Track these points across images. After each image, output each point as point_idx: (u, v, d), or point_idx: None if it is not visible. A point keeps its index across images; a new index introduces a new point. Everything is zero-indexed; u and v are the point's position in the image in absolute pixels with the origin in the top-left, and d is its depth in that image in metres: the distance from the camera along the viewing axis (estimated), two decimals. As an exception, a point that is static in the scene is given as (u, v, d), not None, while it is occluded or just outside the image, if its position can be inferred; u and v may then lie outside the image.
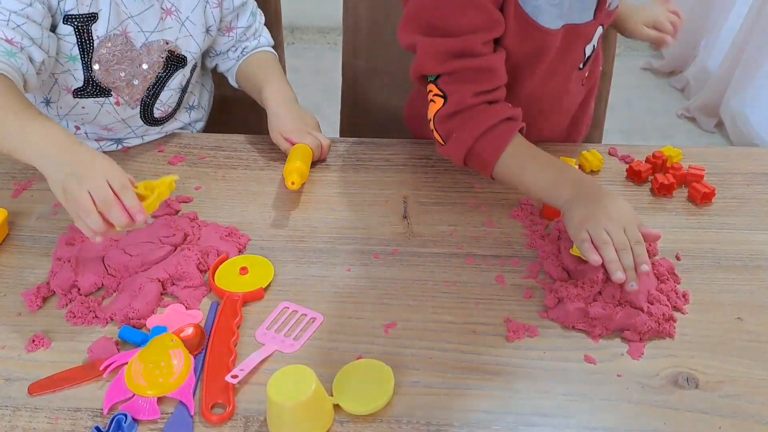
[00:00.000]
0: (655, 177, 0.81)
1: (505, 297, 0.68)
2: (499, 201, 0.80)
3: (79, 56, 0.79)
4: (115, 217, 0.61)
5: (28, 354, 0.61)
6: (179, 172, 0.85)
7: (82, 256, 0.69)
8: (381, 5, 1.11)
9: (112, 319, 0.64)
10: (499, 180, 0.74)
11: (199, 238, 0.73)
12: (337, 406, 0.57)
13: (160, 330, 0.61)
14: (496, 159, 0.72)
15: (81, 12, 0.77)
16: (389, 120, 1.21)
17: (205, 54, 0.94)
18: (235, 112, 1.05)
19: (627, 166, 0.84)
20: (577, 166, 0.83)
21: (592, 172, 0.84)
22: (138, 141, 0.90)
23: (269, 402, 0.53)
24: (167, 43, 0.83)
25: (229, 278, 0.68)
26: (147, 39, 0.82)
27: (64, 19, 0.77)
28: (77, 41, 0.78)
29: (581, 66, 0.83)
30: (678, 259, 0.72)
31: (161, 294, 0.67)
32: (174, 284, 0.68)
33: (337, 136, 1.13)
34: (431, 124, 0.74)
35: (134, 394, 0.57)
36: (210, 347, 0.61)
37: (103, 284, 0.67)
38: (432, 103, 0.74)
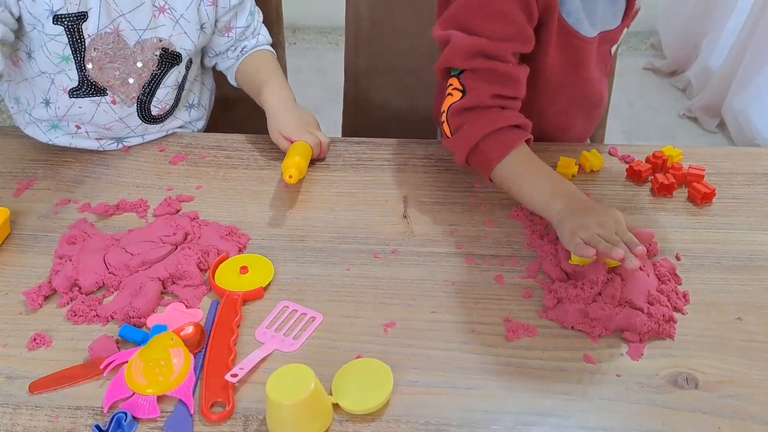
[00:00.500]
0: (656, 177, 0.81)
1: (505, 297, 0.68)
2: (499, 201, 0.80)
3: (71, 56, 0.80)
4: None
5: (29, 352, 0.62)
6: (180, 171, 0.85)
7: (84, 255, 0.69)
8: (383, 5, 1.11)
9: (112, 318, 0.64)
10: (497, 183, 0.75)
11: (199, 237, 0.73)
12: (336, 405, 0.57)
13: (160, 329, 0.62)
14: (498, 160, 0.73)
15: (70, 11, 0.77)
16: (391, 119, 1.21)
17: (204, 53, 0.94)
18: (236, 111, 1.05)
19: (627, 166, 0.84)
20: (577, 167, 0.84)
21: (592, 171, 0.84)
22: (138, 140, 0.90)
23: (268, 401, 0.53)
24: (161, 41, 0.83)
25: (229, 277, 0.68)
26: (140, 37, 0.82)
27: (54, 19, 0.77)
28: (68, 41, 0.78)
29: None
30: (678, 259, 0.72)
31: (162, 293, 0.67)
32: (174, 283, 0.68)
33: (339, 135, 1.13)
34: (444, 115, 0.76)
35: (134, 393, 0.57)
36: (210, 346, 0.61)
37: (104, 283, 0.68)
38: (449, 96, 0.75)
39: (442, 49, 0.77)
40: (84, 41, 0.79)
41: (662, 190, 0.80)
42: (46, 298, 0.67)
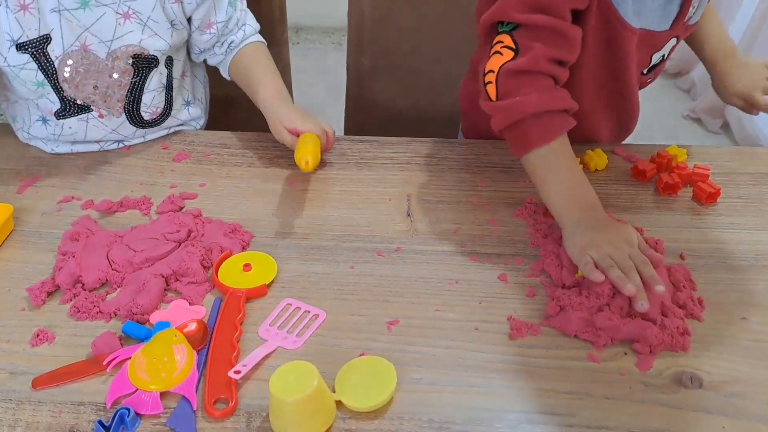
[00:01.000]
0: (660, 176, 0.81)
1: (509, 295, 0.68)
2: (502, 200, 0.80)
3: (45, 80, 0.78)
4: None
5: (32, 348, 0.62)
6: (183, 169, 0.85)
7: (87, 252, 0.69)
8: (386, 3, 1.11)
9: (115, 314, 0.64)
10: (525, 165, 0.72)
11: (203, 235, 0.73)
12: (339, 403, 0.57)
13: (163, 325, 0.61)
14: (539, 145, 0.69)
15: (31, 37, 0.75)
16: (394, 118, 1.21)
17: (190, 50, 0.92)
18: (239, 110, 1.05)
19: (632, 165, 0.84)
20: (581, 166, 0.83)
21: (596, 170, 0.84)
22: (140, 140, 0.90)
23: (271, 397, 0.53)
24: (132, 47, 0.80)
25: (232, 275, 0.68)
26: (110, 48, 0.79)
27: (17, 47, 0.75)
28: (38, 66, 0.77)
29: (645, 71, 0.82)
30: (683, 258, 0.72)
31: (165, 290, 0.67)
32: (178, 280, 0.68)
33: (342, 134, 1.13)
34: (492, 75, 0.70)
35: (137, 389, 0.57)
36: (213, 343, 0.61)
37: (107, 279, 0.68)
38: (498, 55, 0.70)
39: (482, 11, 0.72)
40: (53, 63, 0.78)
41: (667, 190, 0.80)
42: (49, 294, 0.67)
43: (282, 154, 0.87)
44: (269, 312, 0.66)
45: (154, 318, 0.64)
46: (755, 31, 1.86)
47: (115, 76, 0.81)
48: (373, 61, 1.17)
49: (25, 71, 0.77)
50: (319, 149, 0.80)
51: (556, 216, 0.70)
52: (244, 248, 0.73)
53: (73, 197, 0.80)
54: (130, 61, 0.81)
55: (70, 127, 0.83)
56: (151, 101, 0.86)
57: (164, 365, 0.58)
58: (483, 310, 0.66)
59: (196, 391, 0.57)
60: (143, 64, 0.82)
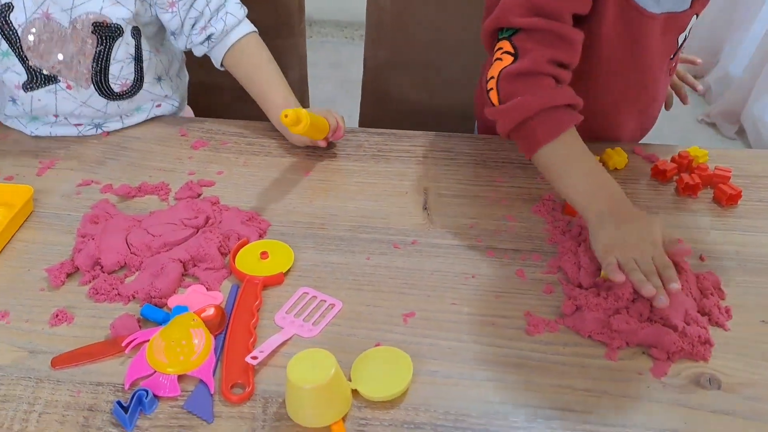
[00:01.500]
0: (681, 177, 0.80)
1: (526, 291, 0.68)
2: (520, 195, 0.80)
3: (9, 50, 0.78)
4: None
5: (51, 328, 0.62)
6: (201, 156, 0.85)
7: (106, 235, 0.69)
8: (405, -3, 1.11)
9: (134, 297, 0.65)
10: (537, 164, 0.71)
11: (220, 222, 0.73)
12: (355, 392, 0.57)
13: (181, 309, 0.62)
14: (546, 142, 0.68)
15: None
16: (409, 113, 1.21)
17: (167, 34, 0.90)
18: (222, 97, 1.03)
19: (651, 165, 0.83)
20: (600, 164, 0.83)
21: (615, 169, 0.84)
22: (118, 125, 0.88)
23: (288, 384, 0.53)
24: (93, 15, 0.79)
25: (249, 262, 0.68)
26: (72, 16, 0.79)
27: None
28: (2, 35, 0.77)
29: (672, 56, 0.82)
30: (702, 260, 0.71)
31: (183, 274, 0.67)
32: (195, 265, 0.68)
33: (356, 127, 1.13)
34: (493, 81, 0.70)
35: (155, 371, 0.57)
36: (230, 328, 0.61)
37: (125, 263, 0.68)
38: (498, 61, 0.70)
39: (489, 14, 0.72)
40: (16, 32, 0.78)
41: (687, 190, 0.80)
42: (69, 275, 0.67)
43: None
44: (285, 300, 0.66)
45: (172, 302, 0.64)
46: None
47: (79, 44, 0.80)
48: (390, 55, 1.17)
49: None
50: (317, 126, 0.77)
51: (579, 210, 0.69)
52: (261, 236, 0.73)
53: (92, 181, 0.80)
54: (92, 29, 0.80)
55: (39, 100, 0.83)
56: (119, 72, 0.84)
57: (182, 348, 0.58)
58: (499, 305, 0.66)
59: (213, 376, 0.58)
60: (107, 33, 0.81)
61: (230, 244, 0.70)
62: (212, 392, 0.56)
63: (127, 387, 0.57)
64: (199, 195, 0.78)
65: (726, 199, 0.78)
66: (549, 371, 0.60)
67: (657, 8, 0.73)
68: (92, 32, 0.80)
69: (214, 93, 1.05)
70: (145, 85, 0.88)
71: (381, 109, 1.22)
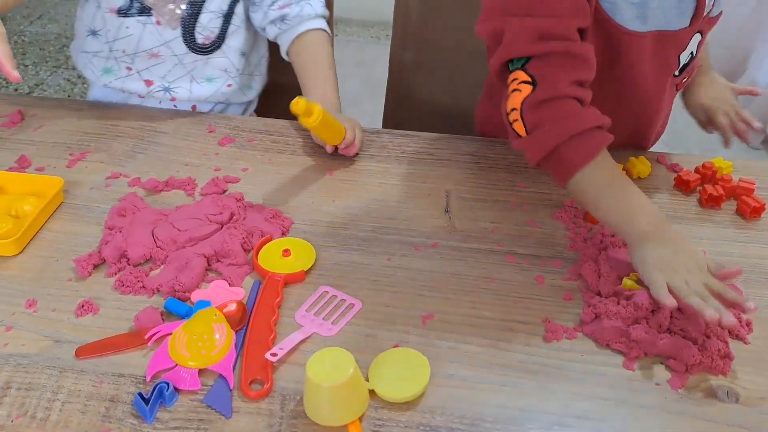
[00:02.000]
0: (704, 188, 0.80)
1: (545, 297, 0.68)
2: (542, 201, 0.80)
3: None
4: None
5: (76, 318, 0.63)
6: (228, 153, 0.87)
7: (133, 228, 0.71)
8: (433, -1, 1.11)
9: (158, 290, 0.66)
10: (572, 192, 0.70)
11: (244, 218, 0.74)
12: (372, 392, 0.57)
13: (204, 304, 0.63)
14: (581, 167, 0.66)
15: None
16: (433, 114, 1.21)
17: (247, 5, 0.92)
18: (287, 98, 1.06)
19: (675, 175, 0.83)
20: (624, 173, 0.82)
21: (639, 178, 0.83)
22: (186, 93, 0.90)
23: (307, 381, 0.54)
24: None
25: (271, 259, 0.69)
26: None
27: None
28: None
29: (677, 73, 0.81)
30: (723, 272, 0.71)
31: (206, 269, 0.68)
32: (219, 261, 0.69)
33: (380, 128, 1.14)
34: (516, 113, 0.68)
35: (177, 364, 0.58)
36: (251, 324, 0.62)
37: (151, 256, 0.69)
38: (516, 92, 0.68)
39: (492, 46, 0.71)
40: None
41: (710, 202, 0.79)
42: (95, 266, 0.68)
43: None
44: (306, 298, 0.66)
45: (195, 296, 0.65)
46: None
47: None
48: (415, 56, 1.17)
49: None
50: (329, 121, 0.78)
51: (619, 232, 0.67)
52: (283, 234, 0.74)
53: (120, 174, 0.82)
54: None
55: (127, 28, 0.85)
56: (207, 23, 0.87)
57: (204, 343, 0.59)
58: (518, 310, 0.66)
59: (233, 371, 0.59)
60: None
61: (253, 241, 0.71)
62: (231, 387, 0.57)
63: (148, 379, 0.58)
64: (225, 191, 0.79)
65: (750, 211, 0.77)
66: (566, 378, 0.60)
67: (643, 26, 0.72)
68: None
69: (279, 92, 1.07)
70: (224, 47, 0.90)
71: (405, 109, 1.23)
